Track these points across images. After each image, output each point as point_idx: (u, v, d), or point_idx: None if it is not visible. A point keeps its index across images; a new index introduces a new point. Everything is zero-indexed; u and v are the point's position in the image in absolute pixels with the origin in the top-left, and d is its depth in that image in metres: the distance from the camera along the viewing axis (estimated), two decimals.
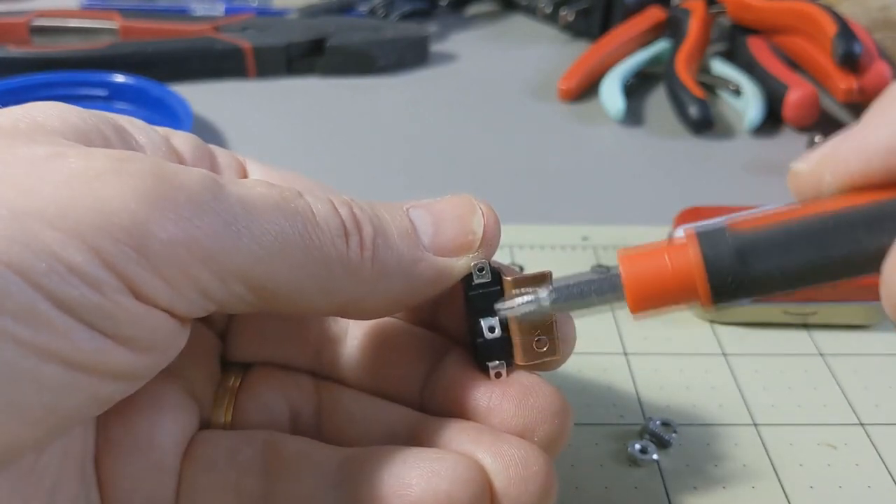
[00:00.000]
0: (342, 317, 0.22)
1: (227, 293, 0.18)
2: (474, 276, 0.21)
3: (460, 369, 0.22)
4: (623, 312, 0.34)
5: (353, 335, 0.24)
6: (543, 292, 0.21)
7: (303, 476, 0.21)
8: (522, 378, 0.22)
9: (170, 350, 0.18)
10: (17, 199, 0.15)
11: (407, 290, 0.20)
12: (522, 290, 0.21)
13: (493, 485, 0.20)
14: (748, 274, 0.19)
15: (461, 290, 0.21)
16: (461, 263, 0.21)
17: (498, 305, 0.21)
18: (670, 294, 0.19)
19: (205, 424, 0.23)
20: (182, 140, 0.23)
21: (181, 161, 0.22)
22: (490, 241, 0.21)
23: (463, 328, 0.23)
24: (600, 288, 0.20)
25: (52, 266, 0.15)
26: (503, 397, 0.21)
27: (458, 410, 0.22)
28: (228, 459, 0.21)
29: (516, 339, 0.21)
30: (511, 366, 0.22)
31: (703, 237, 0.19)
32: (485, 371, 0.22)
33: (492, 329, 0.21)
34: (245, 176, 0.24)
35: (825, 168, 0.20)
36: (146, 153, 0.21)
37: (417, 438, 0.22)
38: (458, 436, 0.21)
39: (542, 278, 0.21)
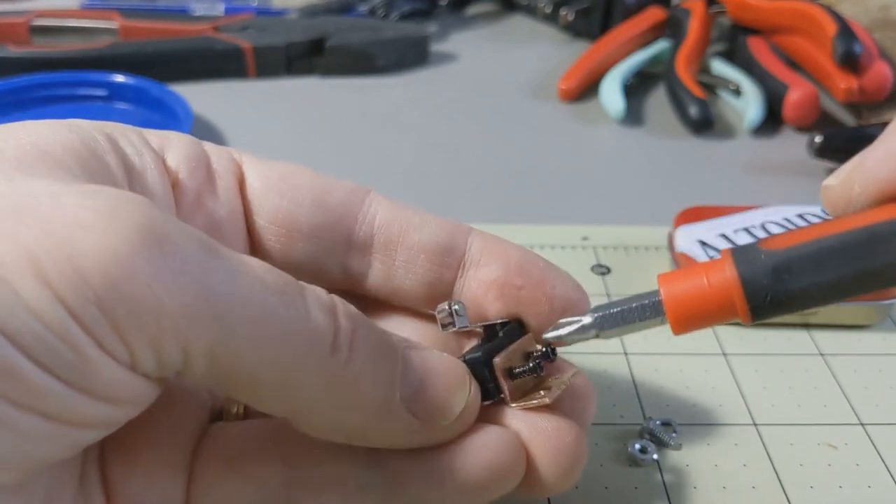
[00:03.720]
0: (291, 421, 0.20)
1: (186, 367, 0.17)
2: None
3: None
4: None
5: None
6: (588, 319, 0.21)
7: (328, 459, 0.21)
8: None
9: (145, 402, 0.18)
10: (1, 246, 0.15)
11: (361, 425, 0.20)
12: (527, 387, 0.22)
13: (529, 452, 0.21)
14: (784, 290, 0.19)
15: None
16: (423, 436, 0.20)
17: (546, 334, 0.22)
18: (710, 313, 0.20)
19: (217, 416, 0.23)
20: (176, 154, 0.22)
21: (175, 183, 0.22)
22: (465, 422, 0.21)
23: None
24: (643, 312, 0.21)
25: (27, 323, 0.15)
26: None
27: None
28: (242, 450, 0.21)
29: (510, 395, 0.22)
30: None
31: (739, 256, 0.20)
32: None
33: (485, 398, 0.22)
34: (242, 177, 0.24)
35: (854, 180, 0.20)
36: (142, 177, 0.21)
37: None
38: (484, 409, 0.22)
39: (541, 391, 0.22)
